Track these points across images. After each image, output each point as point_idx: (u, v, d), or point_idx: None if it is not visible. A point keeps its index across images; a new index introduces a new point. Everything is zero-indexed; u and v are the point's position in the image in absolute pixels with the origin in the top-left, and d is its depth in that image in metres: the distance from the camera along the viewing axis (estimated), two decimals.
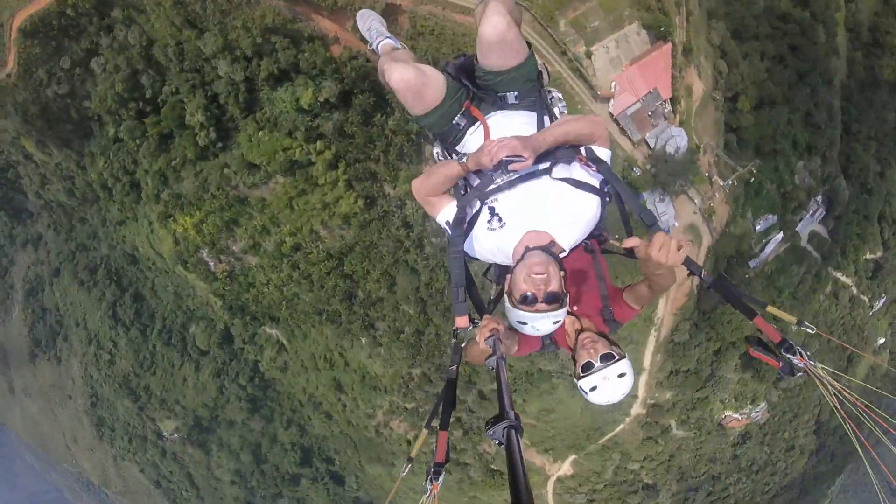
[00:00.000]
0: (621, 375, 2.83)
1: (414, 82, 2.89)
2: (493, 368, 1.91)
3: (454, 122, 3.13)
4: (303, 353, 45.13)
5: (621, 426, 45.51)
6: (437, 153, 3.45)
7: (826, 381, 2.51)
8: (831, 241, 49.13)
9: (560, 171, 2.89)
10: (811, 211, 45.95)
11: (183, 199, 37.14)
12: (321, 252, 34.96)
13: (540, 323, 2.59)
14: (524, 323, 2.61)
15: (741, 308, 2.66)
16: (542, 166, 2.87)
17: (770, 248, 43.26)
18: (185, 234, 37.49)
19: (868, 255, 55.04)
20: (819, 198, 45.82)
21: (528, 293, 2.54)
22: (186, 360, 53.84)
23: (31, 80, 44.82)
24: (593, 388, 2.81)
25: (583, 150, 3.01)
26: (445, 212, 2.97)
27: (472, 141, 3.14)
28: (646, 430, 46.38)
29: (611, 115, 29.65)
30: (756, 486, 57.12)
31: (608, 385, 2.81)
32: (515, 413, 1.40)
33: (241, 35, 30.38)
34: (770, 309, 2.60)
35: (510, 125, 3.07)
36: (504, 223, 2.84)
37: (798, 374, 2.56)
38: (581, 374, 2.86)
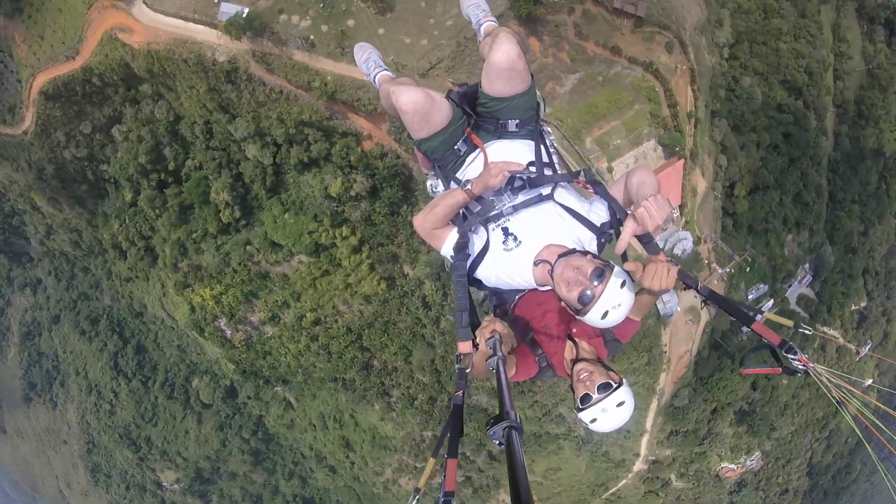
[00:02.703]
0: (620, 404, 2.75)
1: (422, 104, 2.97)
2: (493, 369, 1.87)
3: (455, 147, 3.19)
4: (311, 412, 46.06)
5: (623, 481, 47.44)
6: (430, 186, 3.53)
7: (827, 381, 2.59)
8: (818, 300, 51.99)
9: (561, 195, 3.07)
10: (799, 278, 49.11)
11: (203, 271, 38.06)
12: (341, 326, 36.15)
13: (614, 301, 2.58)
14: (605, 315, 2.59)
15: (738, 316, 2.71)
16: (545, 191, 3.04)
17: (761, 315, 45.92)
18: (203, 303, 38.24)
19: (853, 307, 58.28)
20: (807, 265, 49.01)
21: (582, 289, 2.56)
22: (189, 413, 54.22)
23: (48, 140, 45.72)
24: (593, 420, 2.76)
25: (583, 174, 3.23)
26: (450, 242, 3.01)
27: (471, 168, 3.20)
28: (647, 484, 48.50)
29: None
30: None
31: (608, 416, 2.75)
32: (516, 414, 1.40)
33: (275, 125, 31.82)
34: (767, 315, 2.66)
35: (509, 152, 3.18)
36: (520, 241, 2.93)
37: (799, 373, 2.65)
38: (581, 407, 2.79)
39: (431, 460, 3.16)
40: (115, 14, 36.90)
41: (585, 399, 2.78)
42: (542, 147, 3.30)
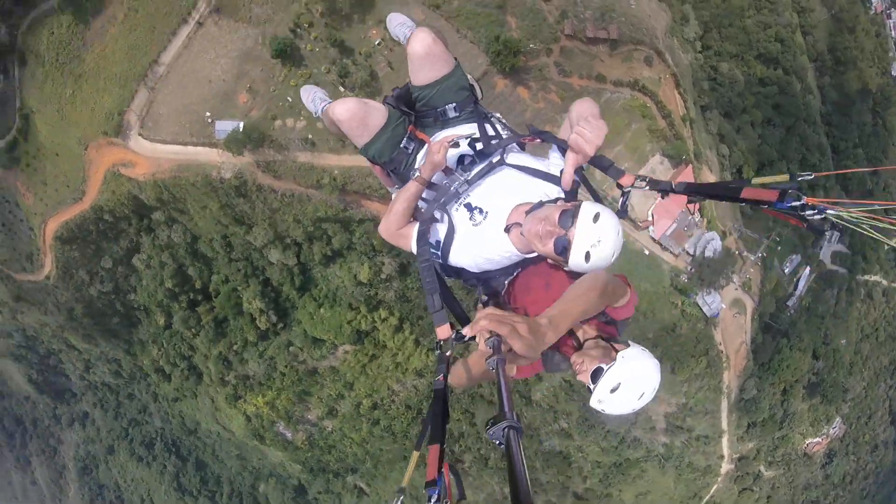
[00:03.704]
0: (614, 389, 2.44)
1: (356, 110, 3.04)
2: (493, 369, 1.82)
3: (402, 145, 3.18)
4: (385, 494, 45.02)
5: (715, 486, 46.19)
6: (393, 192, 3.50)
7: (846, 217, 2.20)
8: (851, 253, 51.25)
9: (513, 158, 2.99)
10: (828, 237, 48.39)
11: (251, 379, 37.96)
12: (399, 405, 35.72)
13: (591, 238, 2.42)
14: (589, 257, 2.45)
15: (725, 194, 2.53)
16: (495, 158, 2.95)
17: (802, 283, 46.00)
18: (257, 411, 37.99)
19: (886, 246, 57.47)
20: None
21: (555, 238, 2.47)
22: None
23: (72, 281, 46.36)
24: (602, 409, 2.53)
25: (528, 130, 3.10)
26: (415, 237, 2.87)
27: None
28: (739, 482, 47.28)
29: (653, 239, 33.41)
30: (854, 495, 58.28)
31: (610, 403, 2.48)
32: (516, 414, 1.40)
33: (293, 227, 32.12)
34: (756, 180, 2.41)
35: (460, 148, 3.09)
36: (486, 212, 2.82)
37: (823, 229, 2.83)
38: (589, 400, 2.58)
39: (415, 454, 2.73)
40: (114, 150, 37.76)
41: (589, 390, 2.56)
42: (486, 125, 3.21)
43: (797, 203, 2.17)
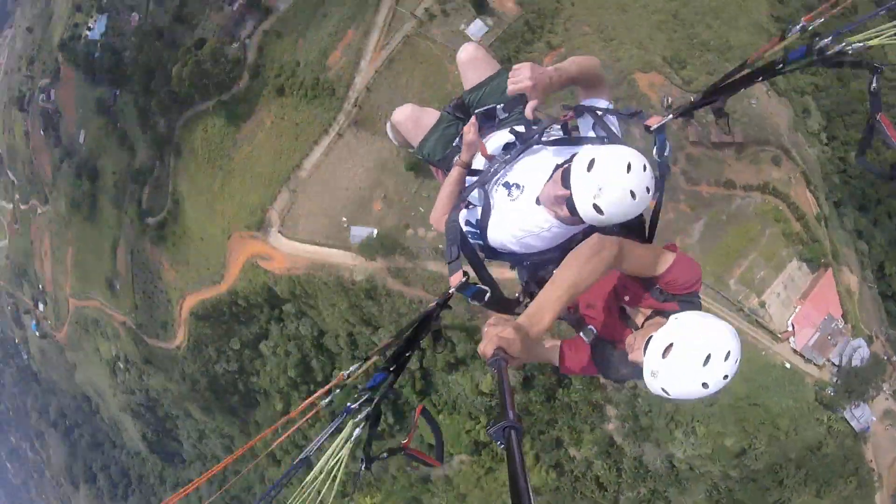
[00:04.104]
0: (666, 351, 2.05)
1: (411, 112, 3.39)
2: (494, 370, 1.69)
3: (454, 145, 3.24)
4: None
5: None
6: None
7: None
8: None
9: (548, 136, 2.89)
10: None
11: (361, 478, 37.60)
12: None
13: (591, 188, 2.23)
14: (598, 208, 2.24)
15: (741, 81, 2.46)
16: (532, 139, 2.88)
17: None
18: None
19: None
20: None
21: (566, 197, 2.33)
22: None
23: (200, 355, 49.95)
24: (662, 390, 2.10)
25: (568, 112, 2.93)
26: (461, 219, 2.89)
27: (475, 162, 3.07)
28: None
29: (794, 350, 31.82)
30: None
31: (667, 373, 2.05)
32: (516, 414, 1.34)
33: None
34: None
35: (504, 138, 3.07)
36: (522, 187, 2.75)
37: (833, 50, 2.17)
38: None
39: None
40: (254, 243, 41.28)
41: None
42: (532, 127, 3.08)
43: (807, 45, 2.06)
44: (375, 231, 34.36)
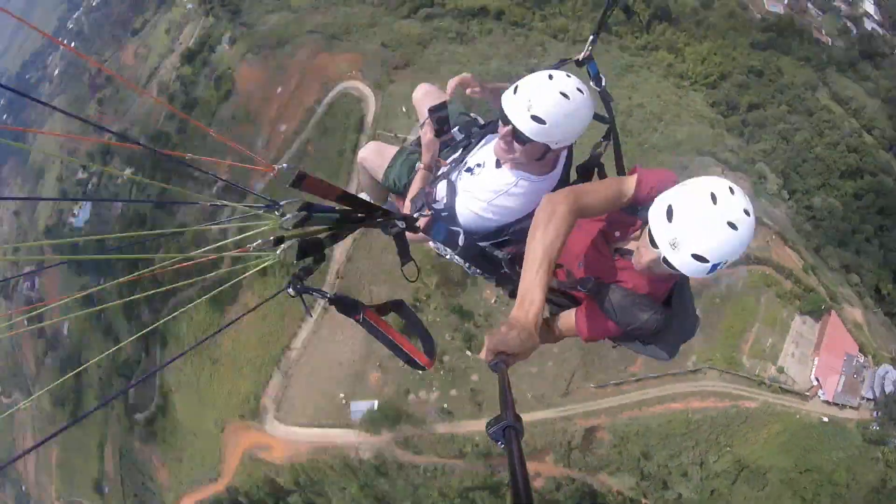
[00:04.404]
0: (669, 213, 1.90)
1: (374, 147, 3.52)
2: (496, 372, 1.59)
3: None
4: None
5: None
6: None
7: None
8: None
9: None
10: None
11: None
12: None
13: (521, 103, 2.34)
14: (534, 117, 2.32)
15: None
16: (488, 129, 3.05)
17: None
18: None
19: None
20: None
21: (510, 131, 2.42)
22: None
23: None
24: (683, 259, 1.86)
25: None
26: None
27: (438, 187, 3.06)
28: None
29: (827, 402, 32.14)
30: None
31: (683, 237, 1.85)
32: (517, 414, 1.31)
33: (438, 502, 30.68)
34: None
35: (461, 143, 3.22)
36: (484, 163, 2.81)
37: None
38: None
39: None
40: (251, 433, 39.33)
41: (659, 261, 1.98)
42: (490, 140, 3.06)
43: None
44: (376, 403, 33.58)
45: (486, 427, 1.32)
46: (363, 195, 3.71)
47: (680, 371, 32.20)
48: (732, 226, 1.83)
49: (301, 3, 55.15)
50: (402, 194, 3.34)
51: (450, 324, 34.14)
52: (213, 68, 53.15)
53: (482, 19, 50.60)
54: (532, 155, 2.48)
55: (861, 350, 33.88)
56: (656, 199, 2.01)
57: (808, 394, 32.23)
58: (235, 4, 57.40)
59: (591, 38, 2.82)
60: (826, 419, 31.79)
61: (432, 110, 2.82)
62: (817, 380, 32.48)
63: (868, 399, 33.21)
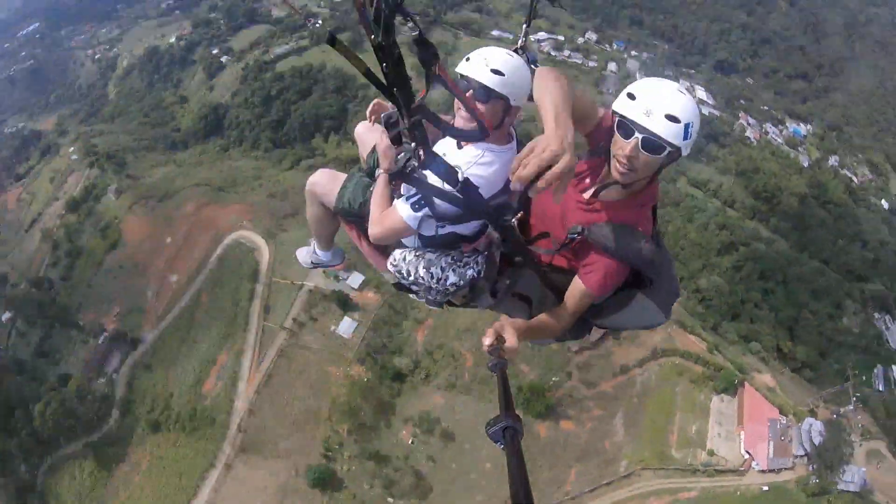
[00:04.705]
0: (630, 97, 2.14)
1: (326, 171, 3.39)
2: (495, 372, 1.68)
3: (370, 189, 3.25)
4: None
5: None
6: (395, 259, 3.20)
7: None
8: None
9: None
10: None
11: None
12: None
13: (471, 56, 2.53)
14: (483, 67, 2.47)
15: None
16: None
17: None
18: None
19: None
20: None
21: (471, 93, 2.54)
22: None
23: None
24: (668, 115, 2.05)
25: None
26: (404, 210, 2.68)
27: (402, 187, 2.99)
28: None
29: (763, 471, 33.42)
30: None
31: (645, 100, 2.08)
32: (516, 415, 1.33)
33: None
34: None
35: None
36: (443, 151, 2.74)
37: None
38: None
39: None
40: None
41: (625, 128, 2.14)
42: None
43: None
44: None
45: (486, 428, 1.31)
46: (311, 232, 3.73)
47: (613, 479, 31.54)
48: (682, 92, 2.09)
49: (186, 158, 58.35)
50: (357, 217, 3.17)
51: (366, 471, 31.89)
52: (98, 218, 53.01)
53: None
54: (494, 115, 2.53)
55: (781, 412, 36.02)
56: (615, 102, 2.17)
57: (742, 468, 33.24)
58: (121, 157, 59.55)
59: (524, 32, 3.23)
60: (766, 487, 32.81)
61: (386, 117, 2.75)
62: (748, 452, 33.72)
63: (800, 456, 34.85)
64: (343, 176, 3.29)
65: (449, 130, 2.60)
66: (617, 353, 35.91)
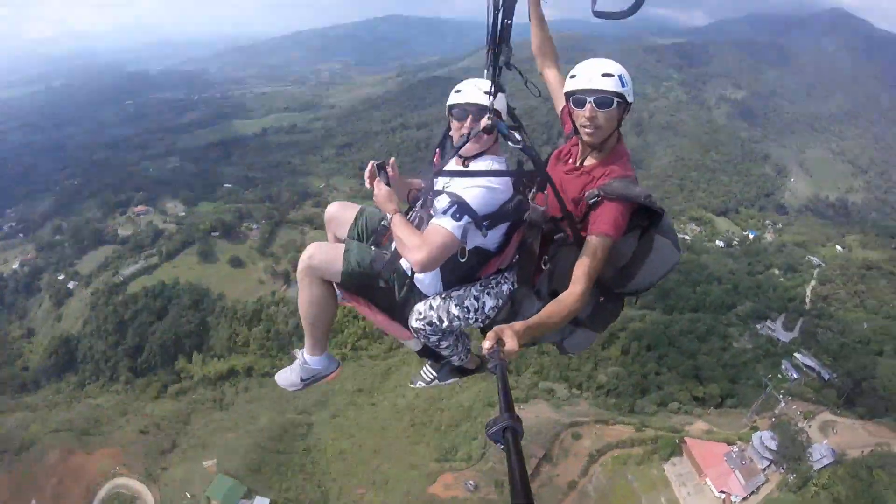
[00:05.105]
0: (572, 77, 2.75)
1: (319, 243, 3.07)
2: (495, 373, 1.75)
3: (372, 245, 3.28)
4: None
5: None
6: (421, 310, 3.05)
7: None
8: None
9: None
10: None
11: None
12: None
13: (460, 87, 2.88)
14: (458, 91, 2.87)
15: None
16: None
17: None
18: None
19: None
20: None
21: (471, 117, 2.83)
22: None
23: None
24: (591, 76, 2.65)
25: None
26: (450, 223, 2.70)
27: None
28: None
29: (744, 497, 35.65)
30: None
31: (580, 70, 2.70)
32: (515, 415, 1.39)
33: None
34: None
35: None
36: (450, 181, 2.88)
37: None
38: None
39: None
40: None
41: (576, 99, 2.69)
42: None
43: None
44: None
45: (486, 428, 1.38)
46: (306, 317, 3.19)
47: None
48: (606, 58, 2.69)
49: (38, 401, 53.00)
50: (367, 279, 3.01)
51: None
52: None
53: (234, 379, 53.64)
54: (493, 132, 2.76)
55: (729, 443, 38.77)
56: (564, 87, 2.76)
57: None
58: None
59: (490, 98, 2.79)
60: None
61: (378, 166, 2.95)
62: (723, 492, 35.29)
63: (767, 466, 37.22)
64: (339, 245, 3.10)
65: (456, 151, 2.80)
66: (559, 475, 37.23)
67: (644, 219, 2.80)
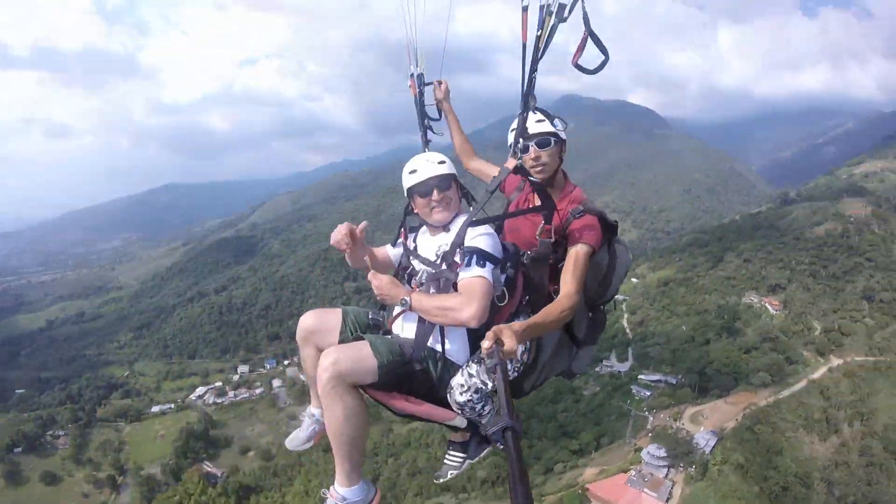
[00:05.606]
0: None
1: (334, 348, 2.71)
2: (494, 373, 1.76)
3: (371, 317, 3.20)
4: None
5: None
6: (461, 383, 2.88)
7: None
8: None
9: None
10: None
11: None
12: None
13: (413, 166, 2.98)
14: (414, 171, 2.95)
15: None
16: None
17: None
18: None
19: None
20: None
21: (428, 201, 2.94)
22: None
23: None
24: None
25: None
26: (485, 274, 2.67)
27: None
28: None
29: (667, 500, 37.33)
30: None
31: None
32: (516, 415, 1.40)
33: None
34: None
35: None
36: (427, 249, 3.03)
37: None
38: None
39: None
40: None
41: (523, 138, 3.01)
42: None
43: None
44: None
45: (486, 428, 1.23)
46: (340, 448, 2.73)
47: None
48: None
49: None
50: (401, 368, 2.73)
51: None
52: None
53: None
54: (457, 193, 2.98)
55: (624, 471, 41.06)
56: (510, 155, 3.04)
57: None
58: None
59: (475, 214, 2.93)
60: None
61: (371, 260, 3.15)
62: None
63: (667, 473, 39.66)
64: (357, 343, 2.77)
65: (431, 225, 2.98)
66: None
67: (608, 232, 3.17)
